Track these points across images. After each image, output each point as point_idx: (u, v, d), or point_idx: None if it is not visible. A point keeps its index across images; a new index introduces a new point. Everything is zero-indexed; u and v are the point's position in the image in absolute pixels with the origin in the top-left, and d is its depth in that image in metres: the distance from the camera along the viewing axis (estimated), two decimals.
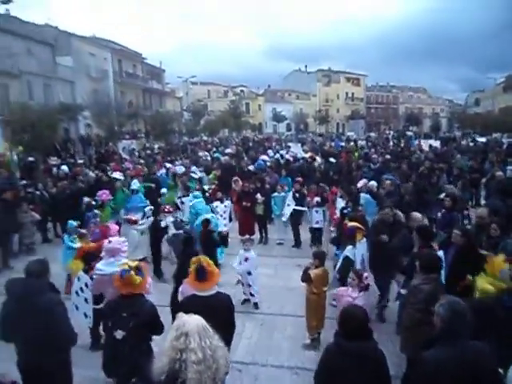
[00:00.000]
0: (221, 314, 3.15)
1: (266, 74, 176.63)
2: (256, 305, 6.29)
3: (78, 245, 5.94)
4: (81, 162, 16.55)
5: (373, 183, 9.21)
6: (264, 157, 16.22)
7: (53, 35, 32.02)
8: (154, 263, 7.55)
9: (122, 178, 10.91)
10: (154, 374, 2.18)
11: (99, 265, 4.27)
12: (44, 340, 3.05)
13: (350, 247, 5.44)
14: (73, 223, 6.91)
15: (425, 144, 24.52)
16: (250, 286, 6.25)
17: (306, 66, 72.67)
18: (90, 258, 5.00)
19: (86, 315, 4.83)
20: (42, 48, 30.63)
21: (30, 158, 15.49)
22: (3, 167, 12.66)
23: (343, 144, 25.88)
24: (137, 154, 22.05)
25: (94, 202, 9.01)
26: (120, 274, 3.23)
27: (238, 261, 6.26)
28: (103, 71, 35.52)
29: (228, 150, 19.38)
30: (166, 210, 8.10)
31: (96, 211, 8.54)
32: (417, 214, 5.97)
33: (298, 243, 9.38)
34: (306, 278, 4.94)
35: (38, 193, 10.27)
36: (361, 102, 73.97)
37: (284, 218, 9.35)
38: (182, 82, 48.55)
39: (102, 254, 4.27)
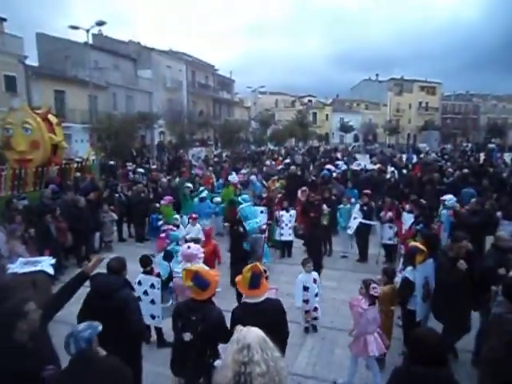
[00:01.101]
0: (272, 320, 3.11)
1: (335, 84, 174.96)
2: (316, 319, 6.07)
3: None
4: (154, 167, 17.63)
5: (452, 198, 8.50)
6: (330, 166, 15.93)
7: (136, 50, 34.87)
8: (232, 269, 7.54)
9: (190, 186, 10.94)
10: None
11: (177, 269, 4.50)
12: (118, 332, 3.28)
13: (409, 268, 5.08)
14: (176, 234, 7.16)
15: (508, 157, 22.38)
16: (316, 309, 5.94)
17: (377, 75, 70.69)
18: (149, 262, 5.22)
19: (153, 316, 4.95)
20: (126, 62, 33.53)
21: (111, 162, 16.88)
22: (85, 171, 13.93)
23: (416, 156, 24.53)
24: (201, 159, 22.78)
25: (157, 205, 9.59)
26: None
27: (300, 286, 5.73)
28: (178, 82, 37.77)
29: (287, 161, 19.39)
30: (193, 217, 8.29)
31: (159, 216, 9.07)
32: (505, 234, 5.44)
33: (363, 258, 9.06)
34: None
35: (116, 195, 11.13)
36: (435, 112, 69.84)
37: (350, 231, 9.09)
38: (250, 92, 49.74)
39: (180, 258, 4.48)
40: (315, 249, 7.69)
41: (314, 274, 5.91)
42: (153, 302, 4.96)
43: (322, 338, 5.69)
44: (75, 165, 14.24)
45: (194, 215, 8.48)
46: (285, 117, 53.27)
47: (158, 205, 9.85)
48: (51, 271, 5.72)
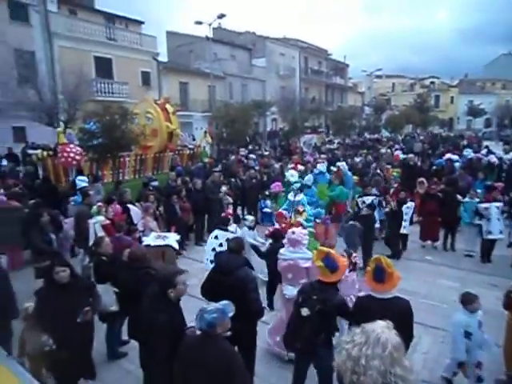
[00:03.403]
0: (396, 321, 2.90)
1: (463, 62, 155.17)
2: (480, 381, 4.12)
3: None
4: (266, 153, 18.16)
5: None
6: (450, 155, 14.30)
7: (251, 40, 36.08)
8: (364, 255, 7.45)
9: (294, 176, 10.15)
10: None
11: (282, 250, 4.68)
12: (240, 308, 3.51)
13: None
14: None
15: None
16: (480, 364, 4.10)
17: None
18: (228, 222, 6.59)
19: None
20: (241, 52, 35.00)
21: (242, 150, 18.08)
22: (197, 157, 14.99)
23: None
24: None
25: (266, 193, 9.76)
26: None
27: (459, 331, 4.00)
28: (291, 69, 37.97)
29: (383, 150, 17.79)
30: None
31: (267, 201, 9.29)
32: None
33: (486, 258, 8.12)
34: (507, 303, 4.17)
35: (232, 179, 11.79)
36: None
37: (502, 236, 8.06)
38: (365, 76, 47.36)
39: (285, 241, 4.69)
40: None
41: (480, 314, 4.13)
42: None
43: (441, 341, 5.21)
44: (188, 151, 15.45)
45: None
46: (402, 101, 49.55)
47: (266, 193, 10.05)
48: (176, 246, 6.43)
